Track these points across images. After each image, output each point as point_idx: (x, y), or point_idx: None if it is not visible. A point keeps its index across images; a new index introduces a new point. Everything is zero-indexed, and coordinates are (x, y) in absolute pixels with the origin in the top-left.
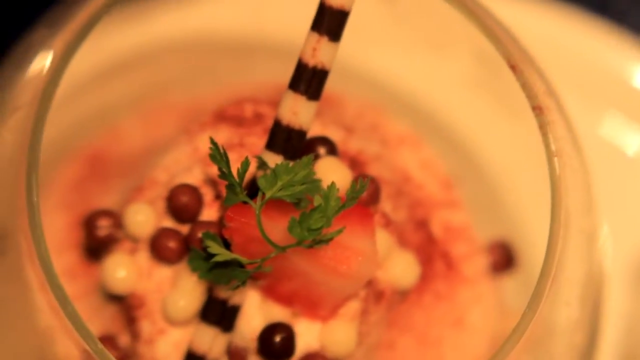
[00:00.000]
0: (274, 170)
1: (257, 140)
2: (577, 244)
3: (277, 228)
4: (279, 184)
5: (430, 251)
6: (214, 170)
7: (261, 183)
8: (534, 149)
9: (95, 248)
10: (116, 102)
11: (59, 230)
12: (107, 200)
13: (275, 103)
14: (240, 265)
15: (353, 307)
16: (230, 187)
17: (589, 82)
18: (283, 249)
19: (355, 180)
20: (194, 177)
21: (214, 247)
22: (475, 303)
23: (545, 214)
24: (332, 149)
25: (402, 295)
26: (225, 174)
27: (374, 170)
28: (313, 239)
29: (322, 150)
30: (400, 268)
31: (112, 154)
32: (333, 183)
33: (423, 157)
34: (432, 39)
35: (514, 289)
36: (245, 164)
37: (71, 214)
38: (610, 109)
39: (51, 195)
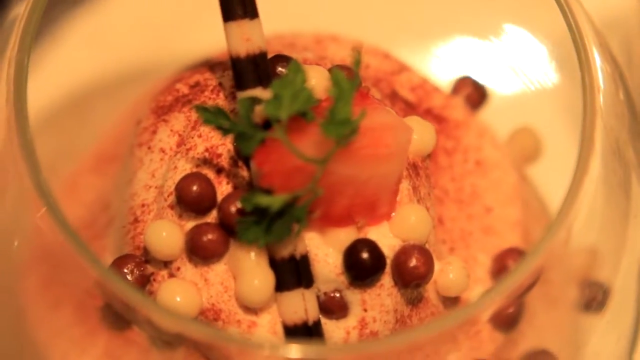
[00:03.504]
0: (272, 94)
1: (215, 102)
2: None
3: (304, 147)
4: (285, 101)
5: (416, 115)
6: (197, 151)
7: (269, 110)
8: None
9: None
10: None
11: (68, 316)
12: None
13: (196, 72)
14: (295, 203)
15: (404, 189)
16: (241, 135)
17: None
18: (324, 160)
19: (339, 67)
20: (185, 170)
21: (265, 198)
22: (480, 140)
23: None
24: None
25: (426, 163)
26: (227, 129)
27: (328, 66)
28: (344, 136)
29: (285, 66)
30: (418, 132)
31: None
32: (335, 69)
33: (349, 43)
34: None
35: (498, 113)
36: (245, 102)
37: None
38: None
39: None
